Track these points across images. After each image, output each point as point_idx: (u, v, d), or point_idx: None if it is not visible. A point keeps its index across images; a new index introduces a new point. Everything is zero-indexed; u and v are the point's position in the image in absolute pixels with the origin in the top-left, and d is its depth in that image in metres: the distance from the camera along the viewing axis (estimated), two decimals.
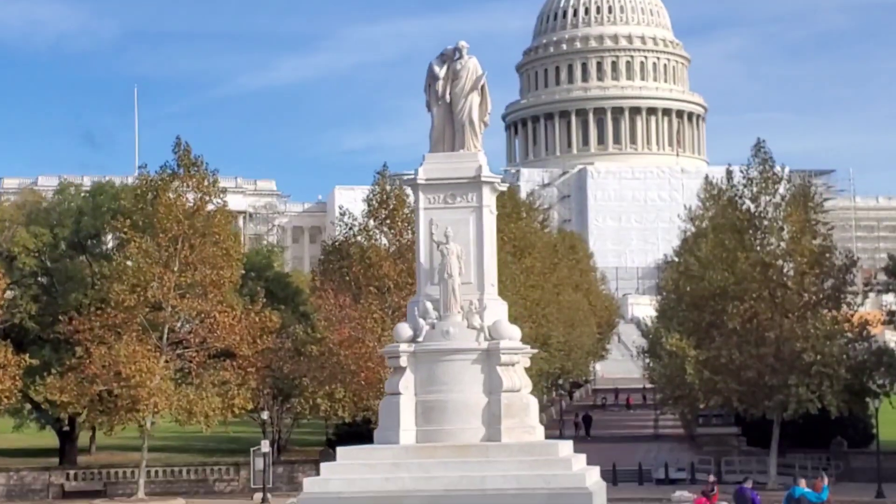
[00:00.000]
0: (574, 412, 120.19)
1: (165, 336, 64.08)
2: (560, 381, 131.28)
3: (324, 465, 35.46)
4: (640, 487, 71.88)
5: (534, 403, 35.70)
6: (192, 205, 64.12)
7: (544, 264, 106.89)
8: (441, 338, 34.73)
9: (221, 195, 65.65)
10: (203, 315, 63.67)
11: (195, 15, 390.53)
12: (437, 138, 37.02)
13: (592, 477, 34.76)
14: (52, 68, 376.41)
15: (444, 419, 34.57)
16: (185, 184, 64.37)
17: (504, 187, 37.47)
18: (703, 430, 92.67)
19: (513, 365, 35.12)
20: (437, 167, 36.08)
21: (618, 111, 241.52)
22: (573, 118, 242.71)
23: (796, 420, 68.11)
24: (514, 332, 36.25)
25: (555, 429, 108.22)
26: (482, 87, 36.77)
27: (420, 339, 34.99)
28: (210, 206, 64.94)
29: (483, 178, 35.78)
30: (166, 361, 63.86)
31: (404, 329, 35.61)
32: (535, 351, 39.35)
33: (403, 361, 34.98)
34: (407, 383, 34.99)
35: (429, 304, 35.32)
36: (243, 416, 69.86)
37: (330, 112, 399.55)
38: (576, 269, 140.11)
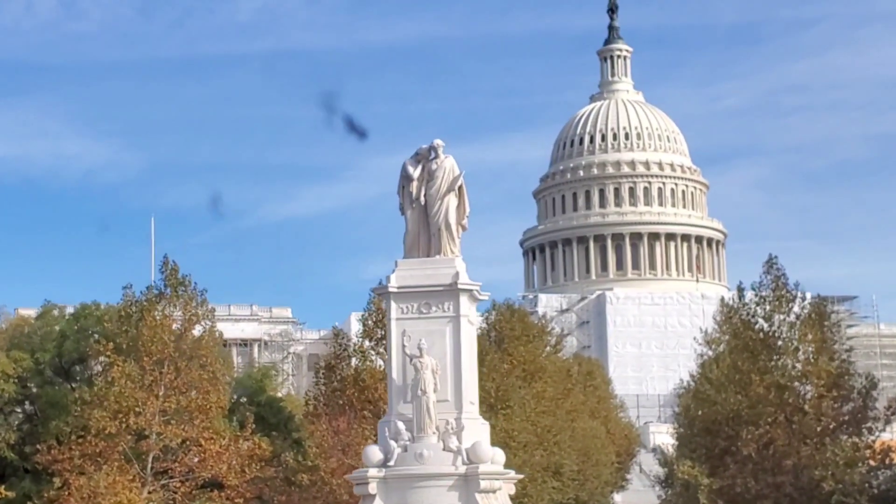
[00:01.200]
0: None
1: (149, 465, 60.89)
2: None
3: None
4: None
5: None
6: (178, 326, 61.64)
7: (557, 389, 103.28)
8: (414, 461, 32.52)
9: (210, 317, 63.38)
10: (189, 442, 60.67)
11: (220, 148, 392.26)
12: (411, 244, 34.53)
13: None
14: (79, 202, 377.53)
15: None
16: (171, 304, 62.00)
17: (485, 296, 34.58)
18: None
19: (494, 492, 32.17)
20: (410, 274, 33.64)
21: (636, 237, 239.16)
22: (591, 244, 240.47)
23: None
24: (497, 455, 33.26)
25: None
26: (460, 187, 34.28)
27: (391, 462, 32.30)
28: (198, 329, 62.55)
29: (460, 286, 33.27)
30: (149, 493, 60.54)
31: (374, 452, 32.81)
32: (521, 476, 36.01)
33: (373, 488, 32.17)
34: None
35: (401, 425, 32.66)
36: None
37: (350, 241, 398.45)
38: (593, 396, 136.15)
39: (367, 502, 32.26)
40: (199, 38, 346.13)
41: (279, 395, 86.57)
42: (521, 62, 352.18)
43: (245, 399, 72.10)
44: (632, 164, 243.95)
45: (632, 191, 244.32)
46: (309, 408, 68.24)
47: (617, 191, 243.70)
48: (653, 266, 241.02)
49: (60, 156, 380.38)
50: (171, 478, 60.95)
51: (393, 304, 33.44)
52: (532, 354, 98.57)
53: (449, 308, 33.38)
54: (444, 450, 32.10)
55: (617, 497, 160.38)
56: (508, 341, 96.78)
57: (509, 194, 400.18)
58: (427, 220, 34.19)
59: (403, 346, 32.90)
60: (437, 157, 34.26)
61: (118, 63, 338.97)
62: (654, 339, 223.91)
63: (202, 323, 62.44)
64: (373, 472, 32.22)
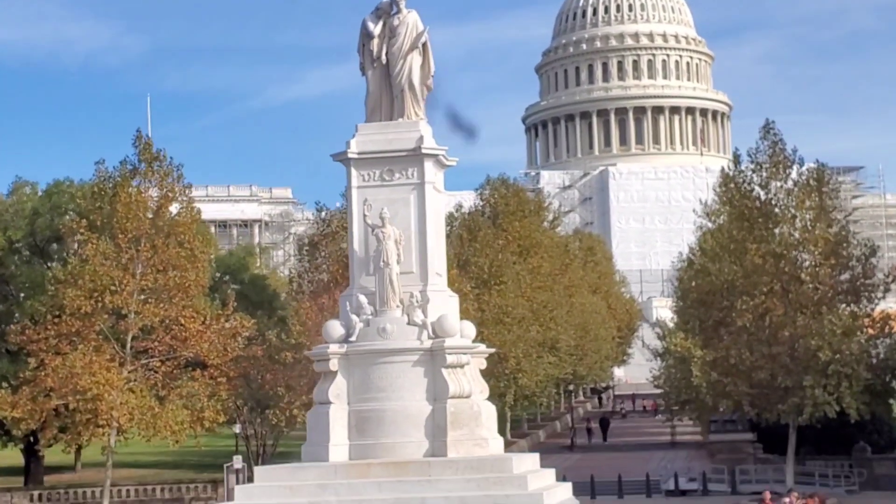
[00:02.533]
0: (587, 418, 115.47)
1: (128, 345, 59.23)
2: (571, 388, 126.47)
3: (238, 489, 30.52)
4: (647, 500, 66.85)
5: (488, 411, 30.79)
6: (154, 203, 59.43)
7: (554, 265, 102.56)
8: (377, 336, 30.09)
9: (187, 192, 60.92)
10: (169, 322, 58.96)
11: (223, 31, 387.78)
12: (372, 107, 32.17)
13: (556, 496, 29.71)
14: (80, 86, 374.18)
15: (381, 432, 29.82)
16: (146, 180, 59.64)
17: (453, 162, 32.23)
18: (717, 438, 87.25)
19: (462, 367, 30.08)
20: (371, 139, 31.40)
21: (640, 111, 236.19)
22: (594, 119, 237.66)
23: (814, 425, 62.57)
24: (466, 328, 31.31)
25: (565, 437, 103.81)
26: (424, 45, 31.80)
27: (353, 338, 30.05)
28: (176, 206, 60.42)
29: (424, 150, 31.05)
30: (129, 372, 58.95)
31: (335, 327, 30.78)
32: (492, 351, 34.10)
33: (334, 365, 30.09)
34: (338, 390, 30.12)
35: (363, 298, 30.42)
36: (221, 429, 65.49)
37: (355, 121, 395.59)
38: (594, 272, 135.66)
39: (327, 380, 30.29)
40: None
41: (263, 272, 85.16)
42: None
43: (227, 277, 70.87)
44: (635, 35, 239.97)
45: (635, 63, 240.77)
46: (293, 286, 66.94)
47: (620, 64, 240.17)
48: (656, 140, 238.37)
49: (61, 40, 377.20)
50: (152, 357, 59.53)
51: (353, 172, 31.10)
52: (528, 230, 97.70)
53: (413, 175, 30.96)
54: (408, 324, 29.72)
55: (618, 371, 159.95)
56: (503, 217, 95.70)
57: (513, 72, 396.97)
58: (389, 81, 31.96)
59: (365, 215, 30.56)
60: (398, 11, 31.68)
61: None
62: (657, 214, 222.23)
63: (179, 199, 60.26)
64: (333, 347, 30.16)
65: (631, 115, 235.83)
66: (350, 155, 31.13)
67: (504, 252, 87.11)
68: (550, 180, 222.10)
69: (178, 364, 59.88)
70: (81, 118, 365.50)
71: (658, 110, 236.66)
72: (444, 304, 30.76)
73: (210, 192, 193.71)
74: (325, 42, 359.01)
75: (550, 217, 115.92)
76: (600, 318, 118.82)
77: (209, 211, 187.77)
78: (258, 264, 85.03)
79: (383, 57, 31.84)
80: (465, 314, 54.26)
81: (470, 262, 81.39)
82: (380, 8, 32.25)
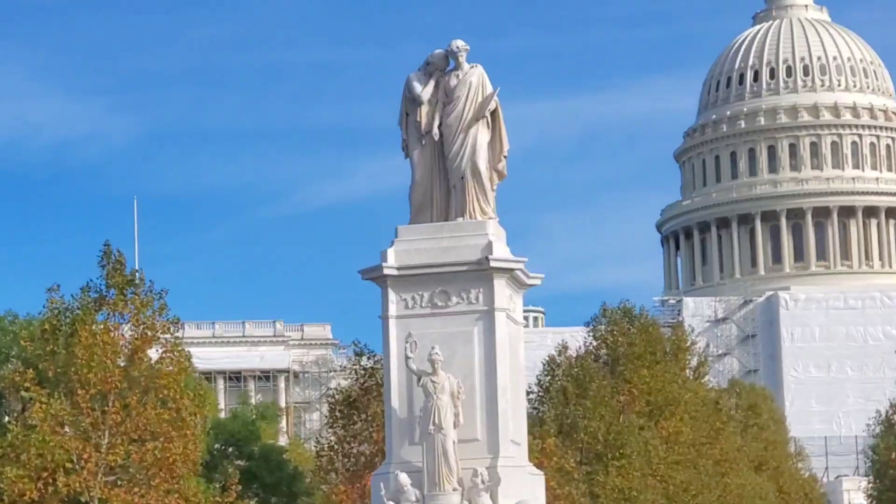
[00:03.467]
0: None
1: None
2: None
3: None
4: None
5: None
6: (128, 346, 59.87)
7: (700, 431, 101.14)
8: None
9: (173, 329, 61.34)
10: None
11: (238, 108, 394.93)
12: (419, 201, 32.21)
13: None
14: (43, 184, 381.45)
15: None
16: (117, 313, 60.30)
17: (537, 280, 31.88)
18: None
19: None
20: (417, 248, 31.86)
21: (822, 213, 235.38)
22: (758, 224, 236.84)
23: None
24: None
25: None
26: (493, 112, 31.70)
27: None
28: (156, 350, 60.60)
29: (495, 263, 30.62)
30: None
31: None
32: None
33: None
34: None
35: (404, 478, 30.37)
36: None
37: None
38: (758, 440, 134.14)
39: None
40: None
41: (280, 443, 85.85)
42: None
43: (231, 450, 71.42)
44: (814, 109, 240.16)
45: (814, 147, 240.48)
46: (321, 461, 66.75)
47: (793, 148, 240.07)
48: (846, 254, 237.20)
49: (24, 123, 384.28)
50: None
51: (391, 295, 31.22)
52: (661, 381, 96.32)
53: (478, 298, 30.94)
54: None
55: None
56: (625, 363, 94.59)
57: (643, 161, 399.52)
58: (444, 165, 31.74)
59: (407, 357, 30.63)
60: (457, 67, 31.69)
61: None
62: (848, 359, 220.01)
63: (162, 340, 60.50)
64: None
65: (809, 218, 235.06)
66: (386, 271, 31.02)
67: (627, 413, 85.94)
68: (697, 311, 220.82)
69: None
70: (39, 229, 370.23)
71: (847, 212, 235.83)
72: (524, 485, 30.88)
73: (218, 331, 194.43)
74: (380, 121, 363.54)
75: (695, 363, 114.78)
76: None
77: (216, 358, 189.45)
78: (276, 430, 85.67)
79: (435, 131, 31.71)
80: (567, 502, 53.23)
81: (577, 427, 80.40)
82: (431, 63, 32.12)
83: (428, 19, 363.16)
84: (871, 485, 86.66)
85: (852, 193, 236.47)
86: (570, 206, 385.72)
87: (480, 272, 30.89)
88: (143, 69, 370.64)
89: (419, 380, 30.42)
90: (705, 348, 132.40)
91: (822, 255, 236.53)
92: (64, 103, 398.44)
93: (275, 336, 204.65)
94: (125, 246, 64.14)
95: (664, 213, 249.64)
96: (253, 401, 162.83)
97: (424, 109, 31.81)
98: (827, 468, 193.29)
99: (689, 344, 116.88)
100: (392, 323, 31.12)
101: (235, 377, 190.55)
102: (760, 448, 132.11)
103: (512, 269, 31.28)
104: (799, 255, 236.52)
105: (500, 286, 31.00)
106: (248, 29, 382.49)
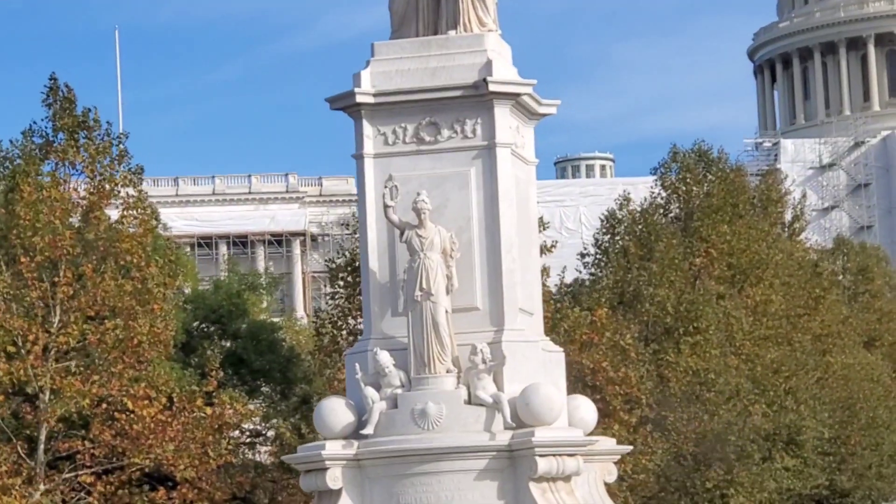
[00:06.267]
0: None
1: (41, 447, 59.93)
2: None
3: None
4: None
5: None
6: (82, 202, 60.83)
7: (794, 300, 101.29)
8: (412, 426, 31.35)
9: (136, 181, 61.70)
10: (108, 406, 59.45)
11: None
12: (402, 10, 32.39)
13: None
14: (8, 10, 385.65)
15: None
16: (67, 163, 61.01)
17: (552, 108, 31.41)
18: None
19: (565, 478, 30.55)
20: (398, 69, 31.48)
21: None
22: (871, 50, 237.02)
23: None
24: (583, 407, 30.70)
25: None
26: None
27: (368, 429, 31.10)
28: (115, 207, 61.62)
29: (496, 87, 30.18)
30: (42, 494, 59.49)
31: (336, 411, 30.42)
32: (625, 450, 33.70)
33: (335, 479, 30.21)
34: None
35: (385, 357, 30.32)
36: None
37: None
38: (870, 310, 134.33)
39: (325, 502, 30.13)
40: None
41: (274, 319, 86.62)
42: None
43: (212, 329, 72.17)
44: None
45: None
46: (322, 340, 66.76)
47: None
48: None
49: None
50: (79, 468, 59.99)
51: (367, 128, 30.90)
52: (745, 240, 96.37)
53: (475, 131, 30.55)
54: (467, 402, 30.13)
55: None
56: (701, 217, 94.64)
57: None
58: None
59: (387, 206, 30.22)
60: None
61: None
62: None
63: (122, 193, 61.08)
64: (333, 448, 29.86)
65: None
66: (360, 98, 30.80)
67: (703, 278, 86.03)
68: (797, 155, 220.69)
69: (125, 479, 60.10)
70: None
71: None
72: (536, 365, 31.23)
73: (219, 186, 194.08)
74: None
75: (790, 217, 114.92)
76: (881, 391, 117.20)
77: (218, 220, 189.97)
78: (266, 305, 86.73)
79: None
80: (624, 387, 52.83)
81: (641, 296, 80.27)
82: None
83: None
84: None
85: None
86: (646, 34, 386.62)
87: (478, 98, 30.54)
88: None
89: (402, 234, 30.11)
90: (801, 199, 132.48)
91: None
92: None
93: (287, 192, 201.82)
94: (105, 87, 65.16)
95: (757, 37, 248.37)
96: (265, 266, 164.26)
97: None
98: None
99: (781, 194, 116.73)
100: (368, 163, 30.91)
101: (241, 242, 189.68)
102: (872, 320, 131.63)
103: (518, 94, 30.76)
104: None
105: (503, 115, 30.58)
106: None
